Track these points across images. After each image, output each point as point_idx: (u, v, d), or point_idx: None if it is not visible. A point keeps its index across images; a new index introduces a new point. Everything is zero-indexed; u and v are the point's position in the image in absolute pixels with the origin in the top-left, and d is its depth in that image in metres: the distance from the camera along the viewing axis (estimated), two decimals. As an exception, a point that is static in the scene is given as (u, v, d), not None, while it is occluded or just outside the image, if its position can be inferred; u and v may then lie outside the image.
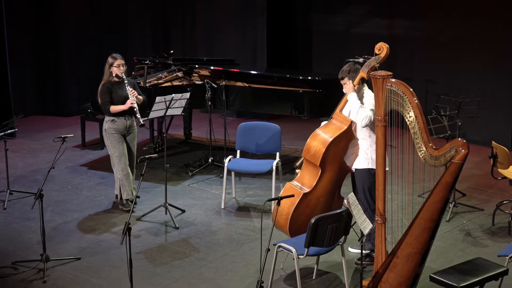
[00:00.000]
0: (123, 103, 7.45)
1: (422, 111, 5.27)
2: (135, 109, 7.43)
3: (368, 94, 6.22)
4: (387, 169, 6.06)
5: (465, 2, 9.79)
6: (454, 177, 5.34)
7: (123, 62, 7.49)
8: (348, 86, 6.27)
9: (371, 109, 6.01)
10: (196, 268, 6.42)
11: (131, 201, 7.57)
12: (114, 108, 7.45)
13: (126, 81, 7.46)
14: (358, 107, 6.15)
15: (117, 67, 7.44)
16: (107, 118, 7.52)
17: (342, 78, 6.34)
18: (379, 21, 10.61)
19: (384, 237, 5.60)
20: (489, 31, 9.59)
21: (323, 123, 6.51)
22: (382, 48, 5.83)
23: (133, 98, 7.43)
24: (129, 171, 7.57)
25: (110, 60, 7.48)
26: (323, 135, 6.29)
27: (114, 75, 7.47)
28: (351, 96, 6.21)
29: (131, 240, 5.61)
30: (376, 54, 5.85)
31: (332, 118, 6.41)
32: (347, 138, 6.28)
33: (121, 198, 7.59)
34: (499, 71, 9.62)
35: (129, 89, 7.46)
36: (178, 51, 10.94)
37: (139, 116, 7.39)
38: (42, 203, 6.23)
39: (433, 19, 10.12)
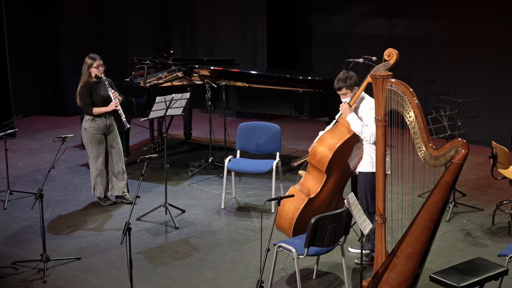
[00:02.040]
0: (104, 103, 7.48)
1: (422, 111, 5.27)
2: (119, 112, 7.44)
3: (368, 104, 6.17)
4: (388, 172, 6.06)
5: (465, 2, 9.79)
6: (454, 177, 5.34)
7: (102, 62, 7.50)
8: (344, 106, 6.24)
9: (373, 122, 5.92)
10: (196, 268, 6.42)
11: (106, 199, 7.75)
12: (97, 110, 7.48)
13: (106, 82, 7.48)
14: (360, 127, 6.12)
15: (96, 68, 7.45)
16: (87, 117, 7.55)
17: (340, 89, 6.28)
18: (379, 21, 10.61)
19: (384, 237, 5.60)
20: (489, 31, 9.59)
21: (326, 129, 6.51)
22: (391, 55, 5.69)
23: (116, 101, 7.45)
24: (105, 171, 7.63)
25: (88, 61, 7.48)
26: (330, 140, 6.26)
27: (93, 75, 7.48)
28: (350, 118, 6.19)
29: (131, 240, 5.62)
30: (385, 60, 5.72)
31: (338, 121, 6.39)
32: (353, 142, 6.26)
33: (101, 196, 7.67)
34: (499, 71, 9.62)
35: (111, 91, 7.47)
36: (178, 51, 10.94)
37: (124, 119, 7.42)
38: (42, 203, 6.23)
39: (433, 19, 10.12)
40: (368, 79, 6.07)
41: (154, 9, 12.06)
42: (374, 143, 5.81)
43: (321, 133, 6.54)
